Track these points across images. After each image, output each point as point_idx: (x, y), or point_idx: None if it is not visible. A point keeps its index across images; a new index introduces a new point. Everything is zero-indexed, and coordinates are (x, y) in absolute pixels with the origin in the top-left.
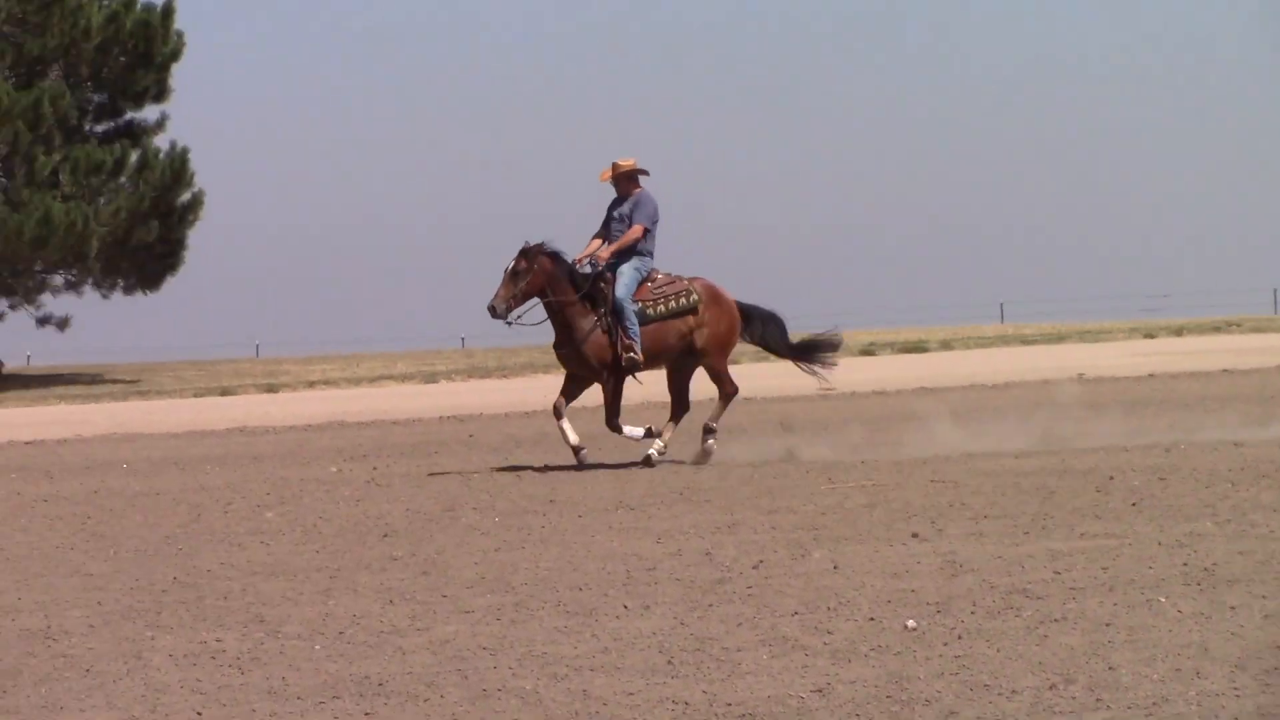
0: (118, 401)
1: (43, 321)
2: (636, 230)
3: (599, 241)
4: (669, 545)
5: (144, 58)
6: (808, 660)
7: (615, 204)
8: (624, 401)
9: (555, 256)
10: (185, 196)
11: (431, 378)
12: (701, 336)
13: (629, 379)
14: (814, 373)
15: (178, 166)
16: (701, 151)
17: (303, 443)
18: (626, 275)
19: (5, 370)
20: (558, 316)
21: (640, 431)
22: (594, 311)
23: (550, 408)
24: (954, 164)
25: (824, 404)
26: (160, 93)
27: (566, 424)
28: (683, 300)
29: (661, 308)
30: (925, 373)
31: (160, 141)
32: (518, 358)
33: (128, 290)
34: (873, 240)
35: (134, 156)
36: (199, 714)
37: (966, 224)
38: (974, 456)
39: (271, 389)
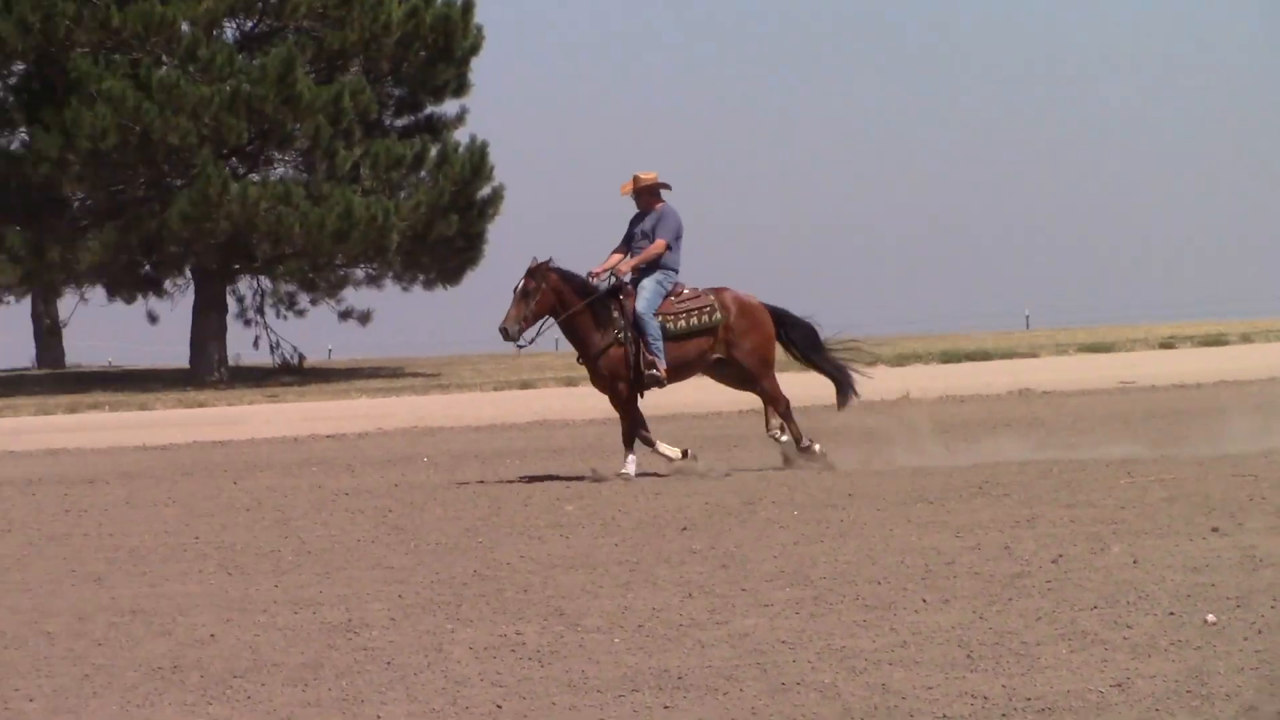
0: (418, 395)
1: (344, 315)
2: (659, 245)
3: (619, 256)
4: (968, 539)
5: (444, 52)
6: (1107, 655)
7: (637, 219)
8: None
9: (563, 273)
10: (485, 190)
11: None
12: (741, 353)
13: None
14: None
15: (477, 160)
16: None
17: (602, 436)
18: (649, 289)
19: (307, 364)
20: (571, 332)
21: (677, 453)
22: (611, 325)
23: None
24: (1254, 155)
25: (1124, 398)
26: (460, 87)
27: (663, 446)
28: (705, 317)
29: (683, 323)
30: (1225, 366)
31: (460, 135)
32: None
33: (428, 284)
34: (1165, 235)
35: (434, 151)
36: (499, 707)
37: (1266, 215)
38: (1275, 450)
39: (571, 383)
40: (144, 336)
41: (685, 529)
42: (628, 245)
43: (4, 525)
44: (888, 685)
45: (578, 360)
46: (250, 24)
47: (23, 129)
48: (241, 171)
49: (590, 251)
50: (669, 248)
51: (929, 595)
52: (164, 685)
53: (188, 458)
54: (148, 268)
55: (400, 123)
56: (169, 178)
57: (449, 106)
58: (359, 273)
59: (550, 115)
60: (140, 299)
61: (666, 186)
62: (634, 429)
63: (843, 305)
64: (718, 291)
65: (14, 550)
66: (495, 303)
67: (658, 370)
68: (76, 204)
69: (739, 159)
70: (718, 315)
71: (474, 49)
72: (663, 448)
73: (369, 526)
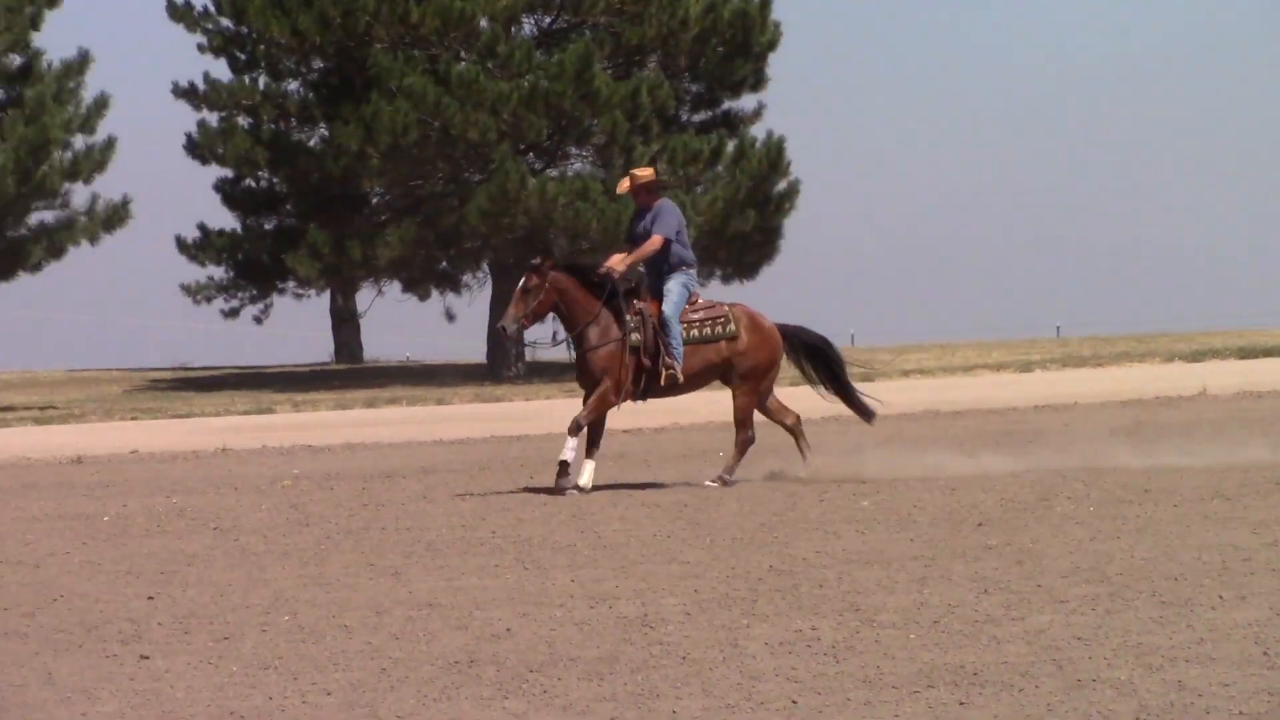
0: (714, 390)
1: None
2: (655, 241)
3: (620, 256)
4: (1265, 535)
5: (742, 47)
6: None
7: (637, 218)
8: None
9: (569, 269)
10: (781, 186)
11: (1026, 367)
12: (741, 366)
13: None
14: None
15: (774, 156)
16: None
17: (898, 432)
18: (675, 292)
19: None
20: (573, 332)
21: (571, 455)
22: (619, 323)
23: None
24: None
25: None
26: (757, 82)
27: (573, 443)
28: (719, 328)
29: (695, 333)
30: None
31: (756, 131)
32: (1113, 347)
33: (725, 279)
34: None
35: (730, 146)
36: (794, 702)
37: None
38: None
39: (866, 378)
40: (439, 331)
41: (981, 525)
42: (633, 246)
43: (303, 519)
44: (1184, 682)
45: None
46: (548, 20)
47: (322, 125)
48: (539, 167)
49: (881, 242)
50: (668, 243)
51: (1226, 592)
52: (460, 679)
53: (484, 452)
54: (445, 263)
55: (697, 118)
56: (467, 173)
57: (746, 101)
58: None
59: (846, 109)
60: (436, 294)
61: (664, 184)
62: (598, 429)
63: (1146, 302)
64: (732, 306)
65: (312, 544)
66: (792, 298)
67: (677, 372)
68: (375, 199)
69: (1040, 158)
70: (731, 328)
71: (771, 44)
72: (587, 470)
73: (665, 521)
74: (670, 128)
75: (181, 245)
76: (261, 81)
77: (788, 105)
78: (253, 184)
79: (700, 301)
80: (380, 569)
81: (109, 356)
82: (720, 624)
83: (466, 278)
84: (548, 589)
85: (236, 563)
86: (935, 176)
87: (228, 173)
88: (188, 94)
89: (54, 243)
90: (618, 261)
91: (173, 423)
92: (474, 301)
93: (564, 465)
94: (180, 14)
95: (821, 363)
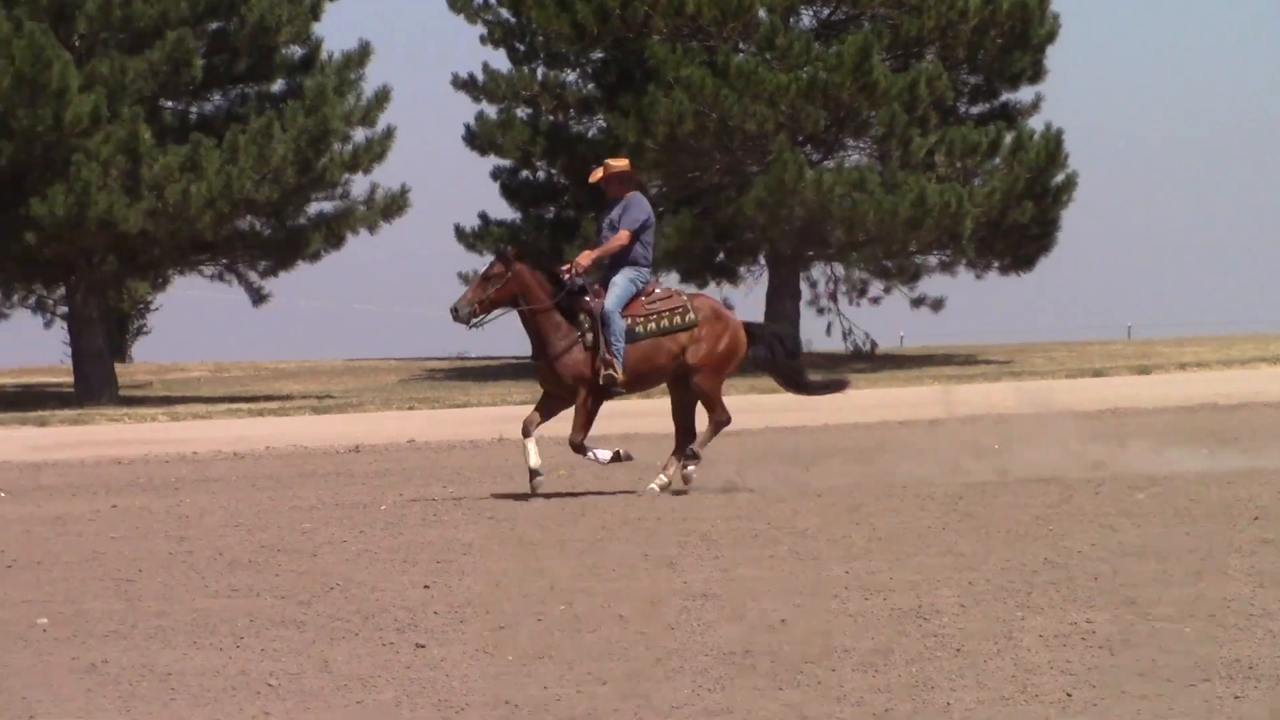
0: (990, 382)
1: (917, 302)
2: (621, 236)
3: (588, 251)
4: None
5: (1020, 39)
6: None
7: (606, 208)
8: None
9: (534, 264)
10: (1059, 178)
11: None
12: (696, 353)
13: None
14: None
15: (1052, 148)
16: None
17: (1174, 425)
18: (619, 286)
19: (880, 350)
20: (531, 327)
21: (607, 455)
22: (573, 324)
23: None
24: None
25: None
26: (1036, 74)
27: (532, 444)
28: (677, 318)
29: (653, 325)
30: None
31: (1034, 123)
32: None
33: (1002, 271)
34: None
35: (1008, 138)
36: (1068, 695)
37: None
38: None
39: (1143, 371)
40: None
41: (1257, 518)
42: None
43: (578, 510)
44: None
45: (532, 358)
46: (827, 11)
47: (600, 115)
48: (816, 158)
49: (1159, 234)
50: (635, 238)
51: None
52: (735, 670)
53: (759, 444)
54: (721, 254)
55: (975, 110)
56: (744, 164)
57: (1024, 93)
58: (932, 259)
59: (1124, 100)
60: (713, 285)
61: (637, 175)
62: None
63: None
64: (693, 295)
65: (588, 534)
66: (1068, 290)
67: (615, 372)
68: (653, 190)
69: None
70: (690, 316)
71: (1050, 36)
72: (530, 451)
73: (939, 513)
74: (948, 119)
75: (460, 234)
76: (540, 73)
77: (1066, 97)
78: (530, 175)
79: (658, 291)
80: (656, 559)
81: (386, 346)
82: (995, 616)
83: (743, 269)
84: (822, 580)
85: (512, 552)
86: (1214, 168)
87: (506, 163)
88: (467, 85)
89: (333, 232)
90: (584, 257)
91: (450, 412)
92: (751, 292)
93: (617, 455)
94: (460, 5)
95: (784, 354)
